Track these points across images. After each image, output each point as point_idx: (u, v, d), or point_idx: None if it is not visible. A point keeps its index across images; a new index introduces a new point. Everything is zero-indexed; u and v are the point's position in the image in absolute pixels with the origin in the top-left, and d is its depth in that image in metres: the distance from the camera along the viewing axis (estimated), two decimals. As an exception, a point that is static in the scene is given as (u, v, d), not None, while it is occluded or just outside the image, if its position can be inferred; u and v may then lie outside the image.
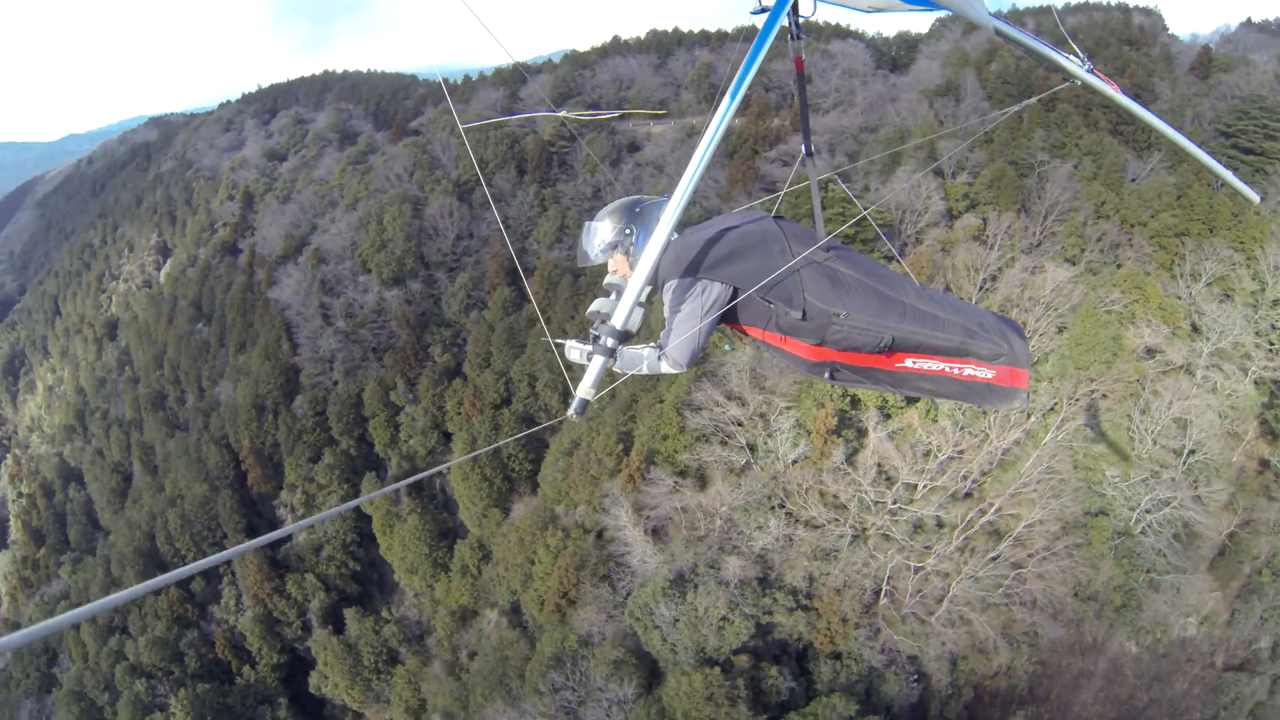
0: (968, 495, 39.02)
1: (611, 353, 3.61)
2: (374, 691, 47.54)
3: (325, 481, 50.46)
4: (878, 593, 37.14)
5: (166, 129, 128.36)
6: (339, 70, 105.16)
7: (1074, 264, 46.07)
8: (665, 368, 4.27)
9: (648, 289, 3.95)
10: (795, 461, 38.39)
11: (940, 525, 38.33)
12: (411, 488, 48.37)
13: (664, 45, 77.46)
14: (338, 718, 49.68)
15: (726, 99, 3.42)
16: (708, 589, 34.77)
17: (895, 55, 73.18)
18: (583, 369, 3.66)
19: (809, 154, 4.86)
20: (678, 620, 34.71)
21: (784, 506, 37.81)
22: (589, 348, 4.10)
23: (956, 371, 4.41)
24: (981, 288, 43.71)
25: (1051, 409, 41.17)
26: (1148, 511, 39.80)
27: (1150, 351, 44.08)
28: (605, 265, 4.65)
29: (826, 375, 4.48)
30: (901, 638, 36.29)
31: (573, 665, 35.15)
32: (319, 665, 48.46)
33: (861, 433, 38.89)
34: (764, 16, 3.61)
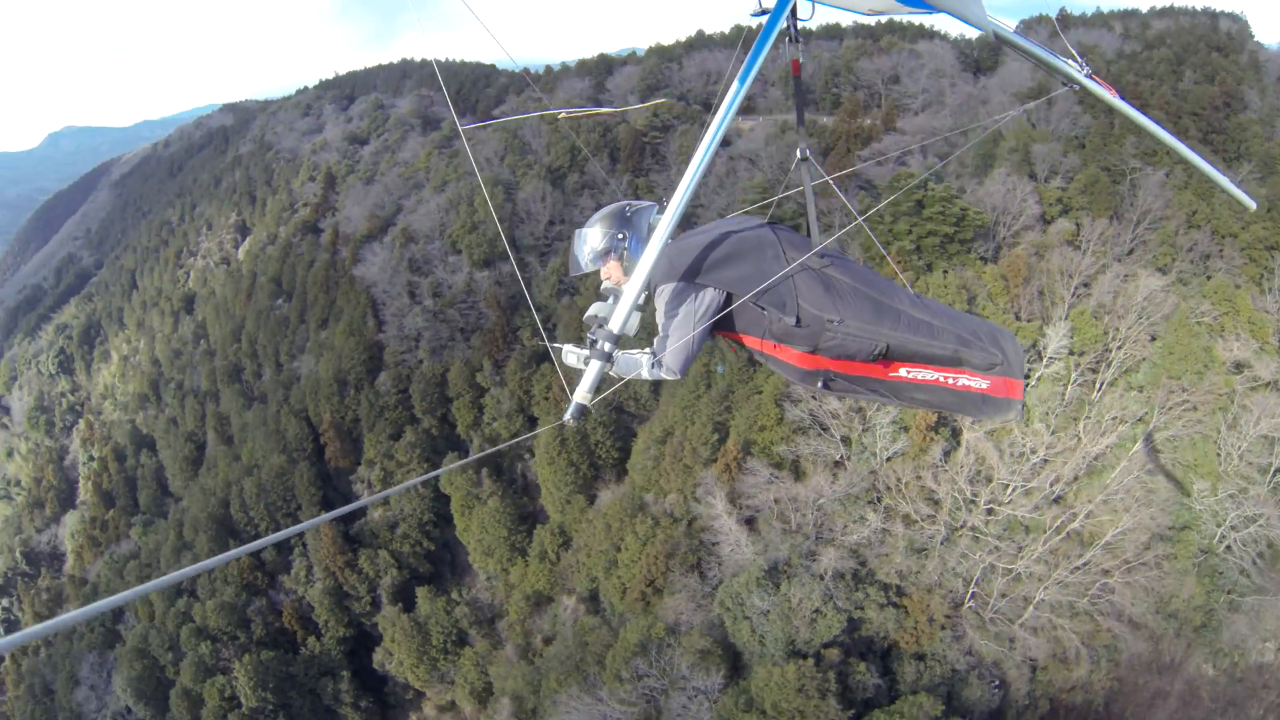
0: (1057, 500, 38.68)
1: (608, 357, 3.63)
2: (439, 672, 47.78)
3: (405, 459, 50.97)
4: (965, 594, 36.93)
5: (242, 114, 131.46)
6: (417, 59, 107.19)
7: (1165, 273, 45.60)
8: (660, 374, 4.28)
9: (644, 293, 3.97)
10: (890, 458, 38.41)
11: (1028, 529, 38.01)
12: (492, 470, 48.97)
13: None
14: (399, 695, 50.01)
15: (726, 103, 3.51)
16: (802, 581, 34.77)
17: (979, 58, 72.62)
18: (580, 374, 3.69)
19: (804, 158, 4.79)
20: (768, 611, 34.67)
21: (880, 501, 37.91)
22: (586, 352, 4.03)
23: (951, 381, 4.37)
24: (1074, 292, 43.39)
25: (1141, 419, 40.75)
26: (1233, 528, 39.16)
27: (1239, 366, 43.46)
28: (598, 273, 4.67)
29: (820, 384, 4.46)
30: (986, 641, 36.01)
31: (657, 653, 35.06)
32: (385, 642, 48.83)
33: (956, 433, 38.91)
34: (764, 19, 3.74)
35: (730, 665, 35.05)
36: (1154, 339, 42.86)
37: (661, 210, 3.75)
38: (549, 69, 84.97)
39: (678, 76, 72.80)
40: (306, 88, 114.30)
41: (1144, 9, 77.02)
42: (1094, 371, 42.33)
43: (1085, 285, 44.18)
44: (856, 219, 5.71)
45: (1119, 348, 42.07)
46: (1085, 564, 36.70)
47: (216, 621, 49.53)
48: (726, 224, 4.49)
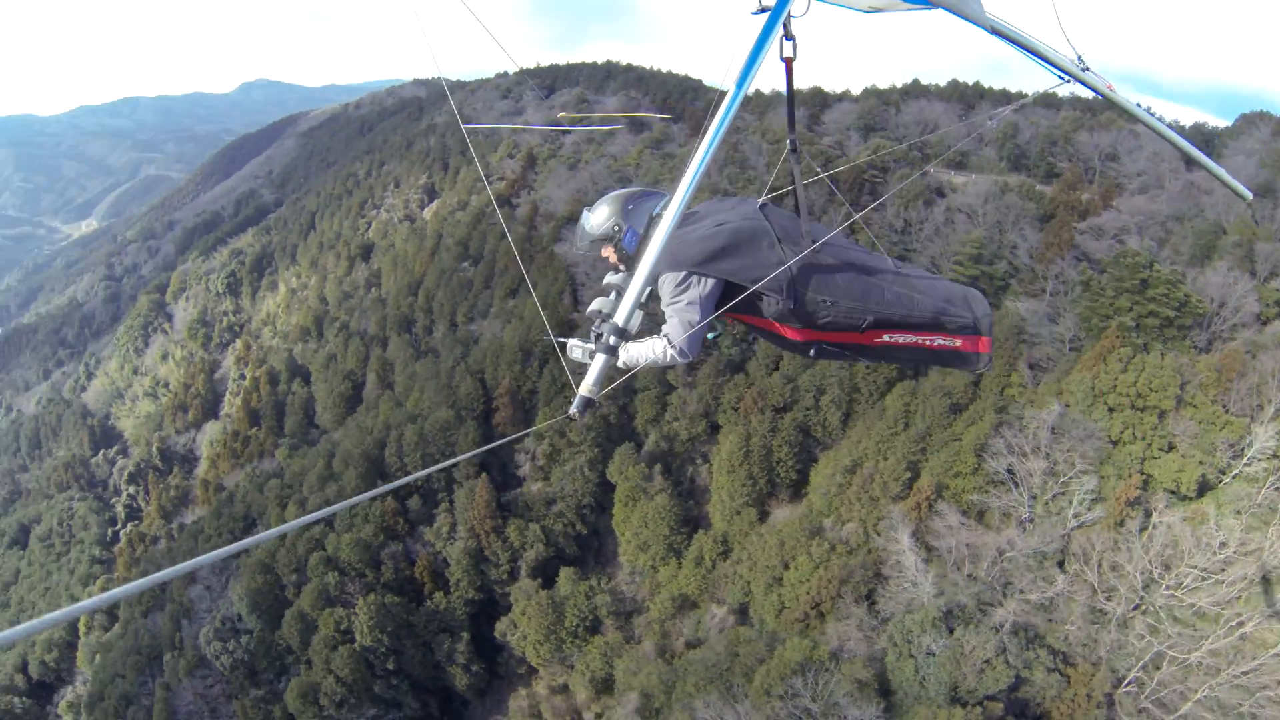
0: (1235, 599, 35.85)
1: (613, 350, 3.76)
2: (562, 654, 46.93)
3: (577, 440, 50.59)
4: (1128, 676, 34.77)
5: (435, 89, 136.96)
6: (622, 62, 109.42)
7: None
8: (673, 358, 4.41)
9: (649, 288, 4.15)
10: (1080, 525, 37.40)
11: (1201, 622, 35.53)
12: (665, 468, 48.25)
13: (966, 97, 76.83)
14: (510, 668, 49.34)
15: (727, 100, 3.53)
16: (979, 630, 34.42)
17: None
18: (585, 368, 3.80)
19: (794, 149, 4.79)
20: (935, 654, 34.38)
21: (1065, 565, 37.08)
22: (591, 346, 4.22)
23: (927, 342, 4.67)
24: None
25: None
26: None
27: None
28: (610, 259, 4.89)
29: (811, 353, 4.71)
30: (1137, 731, 33.84)
31: (815, 676, 34.59)
32: (513, 613, 48.30)
33: (1148, 513, 37.57)
34: (764, 17, 3.75)
35: (881, 701, 34.58)
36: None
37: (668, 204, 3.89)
38: (759, 93, 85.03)
39: (894, 120, 71.97)
40: (506, 73, 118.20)
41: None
42: (1292, 478, 40.12)
43: (1292, 392, 42.18)
44: (854, 216, 6.23)
45: (1320, 460, 39.80)
46: (1256, 668, 33.68)
47: (348, 556, 49.91)
48: (721, 210, 4.68)
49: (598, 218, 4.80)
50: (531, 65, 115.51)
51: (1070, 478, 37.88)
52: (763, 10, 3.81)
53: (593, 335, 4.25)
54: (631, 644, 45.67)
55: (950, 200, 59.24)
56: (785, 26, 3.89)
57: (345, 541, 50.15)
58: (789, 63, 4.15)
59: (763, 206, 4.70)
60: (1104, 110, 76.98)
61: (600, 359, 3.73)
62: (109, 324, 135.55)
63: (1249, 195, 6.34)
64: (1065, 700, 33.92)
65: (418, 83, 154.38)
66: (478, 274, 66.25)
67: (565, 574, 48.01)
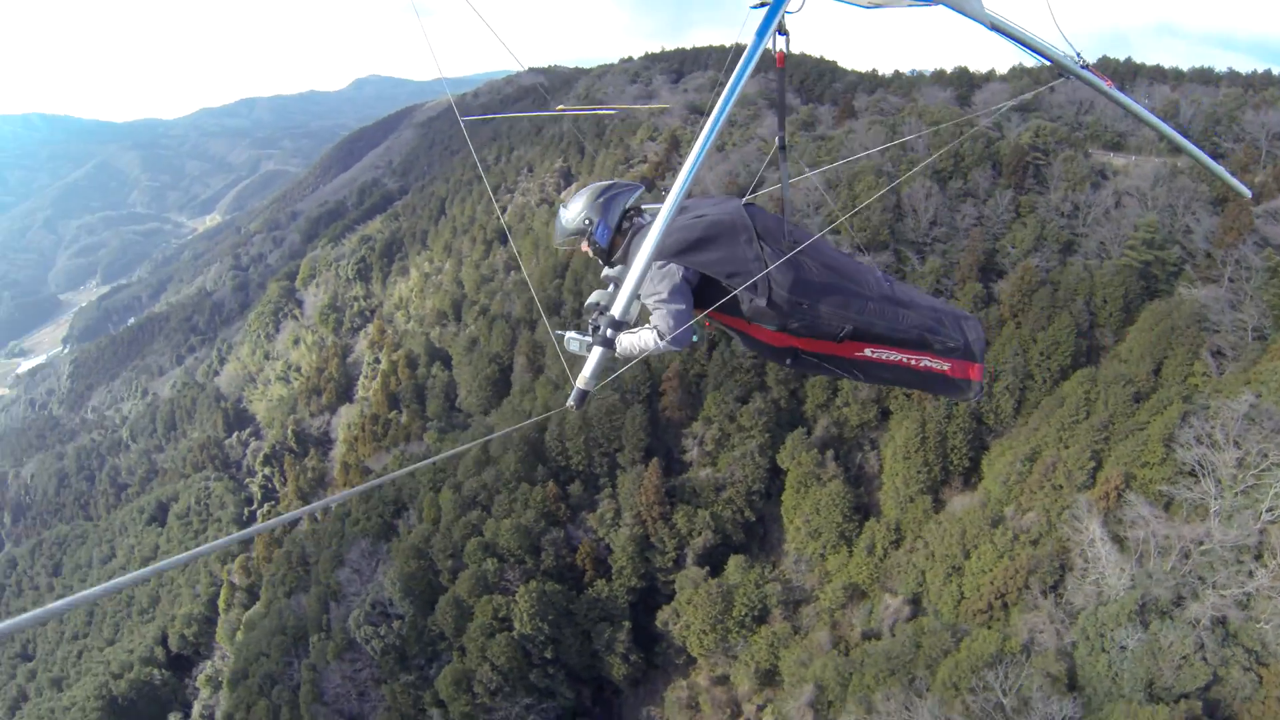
0: None
1: (610, 343, 3.80)
2: (726, 644, 46.16)
3: (747, 425, 50.12)
4: None
5: (556, 76, 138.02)
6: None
7: None
8: (665, 346, 4.36)
9: (642, 280, 4.02)
10: (1276, 520, 35.49)
11: None
12: (835, 454, 47.34)
13: (1119, 74, 73.47)
14: (668, 658, 48.62)
15: (725, 94, 3.61)
16: (1177, 625, 33.33)
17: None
18: (581, 360, 3.86)
19: (782, 147, 4.85)
20: (1126, 648, 33.52)
21: (1262, 559, 35.28)
22: (589, 339, 4.25)
23: (913, 363, 4.56)
24: None
25: None
26: None
27: None
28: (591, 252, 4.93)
29: (788, 361, 4.67)
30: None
31: (1005, 670, 34.30)
32: (676, 601, 47.68)
33: None
34: (763, 11, 3.79)
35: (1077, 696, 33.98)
36: None
37: (654, 193, 4.32)
38: (898, 73, 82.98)
39: (1049, 101, 69.08)
40: (632, 58, 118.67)
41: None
42: None
43: None
44: (841, 218, 7.33)
45: None
46: None
47: (507, 542, 49.24)
48: (704, 205, 4.66)
49: (571, 212, 4.83)
50: (656, 50, 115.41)
51: (1264, 469, 36.22)
52: (761, 5, 3.83)
53: (590, 328, 4.26)
54: (799, 635, 45.02)
55: (1117, 183, 56.63)
56: (779, 21, 3.89)
57: (504, 528, 49.62)
58: (780, 57, 4.16)
59: (748, 205, 4.65)
60: (1269, 87, 72.56)
61: (597, 351, 3.75)
62: (238, 311, 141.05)
63: (1248, 193, 6.32)
64: (1256, 701, 32.37)
65: (533, 70, 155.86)
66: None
67: (735, 561, 47.51)
